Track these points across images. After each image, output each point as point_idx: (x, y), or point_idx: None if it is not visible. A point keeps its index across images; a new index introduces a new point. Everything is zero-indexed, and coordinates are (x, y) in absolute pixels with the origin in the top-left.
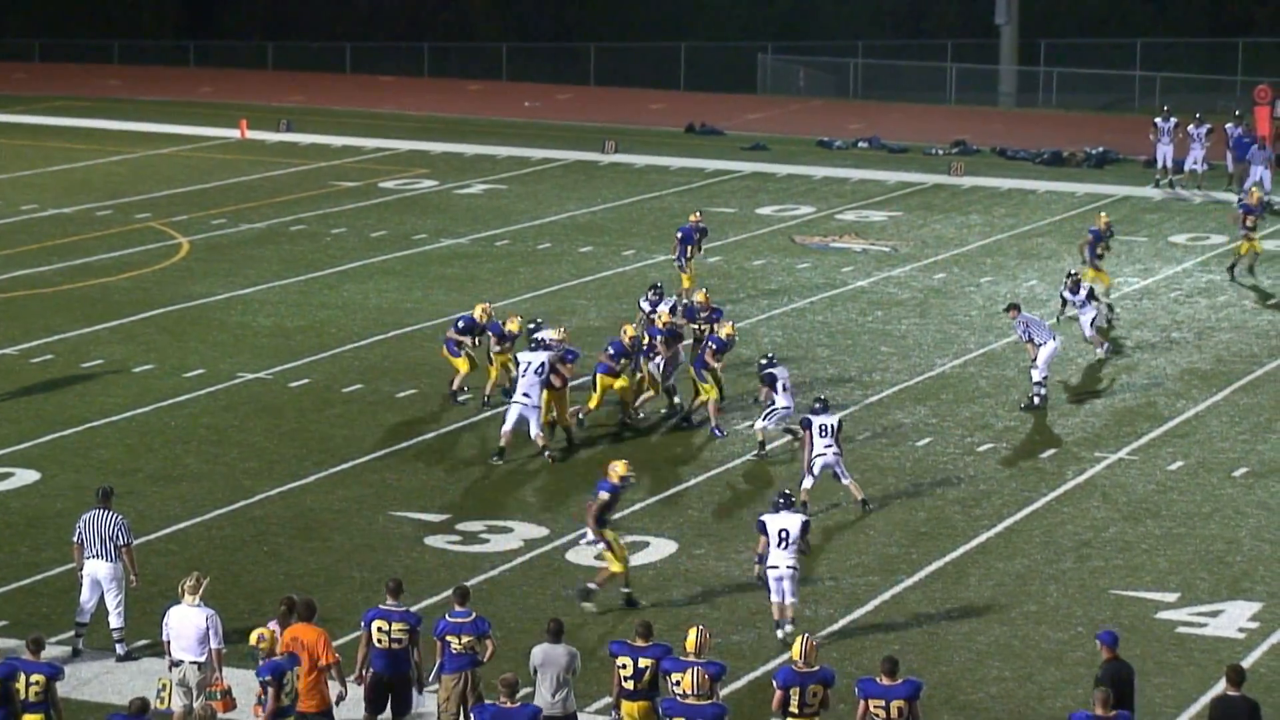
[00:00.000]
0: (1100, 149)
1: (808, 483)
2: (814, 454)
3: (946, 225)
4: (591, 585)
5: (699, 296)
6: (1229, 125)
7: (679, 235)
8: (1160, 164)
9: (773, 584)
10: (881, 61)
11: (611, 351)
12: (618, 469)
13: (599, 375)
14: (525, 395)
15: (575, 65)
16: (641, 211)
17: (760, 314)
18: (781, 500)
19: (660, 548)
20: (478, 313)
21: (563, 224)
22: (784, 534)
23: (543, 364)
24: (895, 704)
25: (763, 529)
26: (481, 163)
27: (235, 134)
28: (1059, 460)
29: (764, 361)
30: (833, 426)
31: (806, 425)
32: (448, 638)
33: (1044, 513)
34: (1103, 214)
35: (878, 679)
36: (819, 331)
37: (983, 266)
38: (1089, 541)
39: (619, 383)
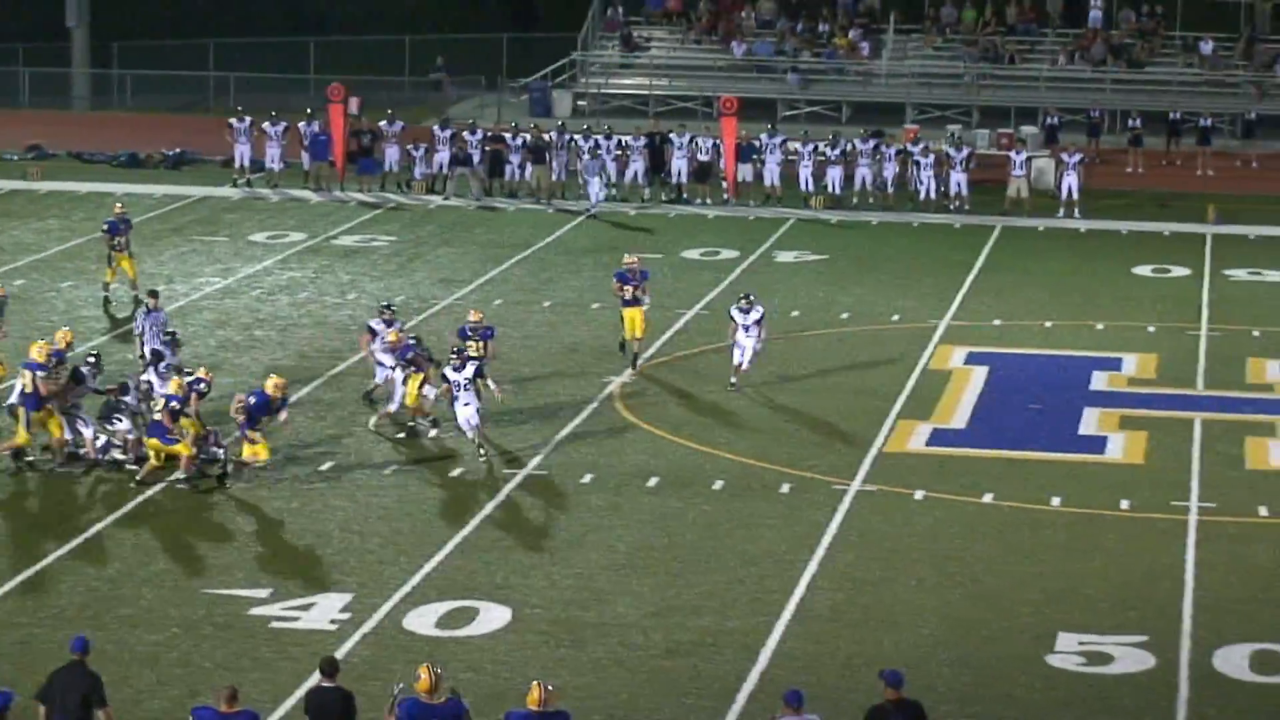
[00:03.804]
0: (178, 150)
1: None
2: None
3: (25, 231)
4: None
5: (473, 316)
6: (303, 123)
7: (105, 229)
8: (238, 163)
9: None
10: None
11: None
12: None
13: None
14: None
15: None
16: None
17: None
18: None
19: None
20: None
21: None
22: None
23: None
24: None
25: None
26: None
27: None
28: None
29: None
30: None
31: None
32: None
33: (133, 516)
34: None
35: None
36: None
37: (63, 271)
38: (170, 547)
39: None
